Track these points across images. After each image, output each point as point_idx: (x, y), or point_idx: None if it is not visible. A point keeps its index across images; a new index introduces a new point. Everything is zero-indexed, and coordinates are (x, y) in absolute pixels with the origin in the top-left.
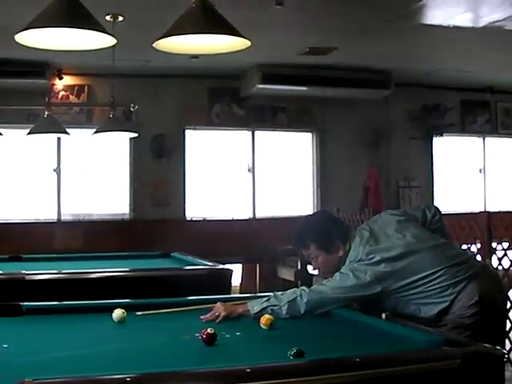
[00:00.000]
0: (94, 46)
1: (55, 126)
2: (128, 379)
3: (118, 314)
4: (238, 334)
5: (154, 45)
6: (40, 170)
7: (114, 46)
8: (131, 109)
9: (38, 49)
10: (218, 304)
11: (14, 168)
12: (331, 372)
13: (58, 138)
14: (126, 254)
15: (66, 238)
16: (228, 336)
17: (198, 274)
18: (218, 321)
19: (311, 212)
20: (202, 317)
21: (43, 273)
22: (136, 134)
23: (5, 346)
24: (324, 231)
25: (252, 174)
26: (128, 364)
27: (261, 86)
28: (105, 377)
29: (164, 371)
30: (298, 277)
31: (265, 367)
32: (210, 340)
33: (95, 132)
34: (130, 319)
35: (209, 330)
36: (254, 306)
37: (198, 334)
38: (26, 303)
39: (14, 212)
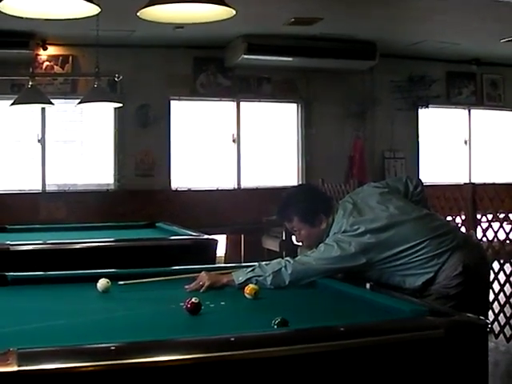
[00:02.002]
0: (78, 14)
1: (39, 96)
2: (112, 348)
3: (102, 283)
4: (222, 303)
5: (138, 14)
6: (24, 141)
7: (98, 14)
8: (116, 79)
9: (21, 18)
10: (203, 273)
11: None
12: (316, 341)
13: (43, 109)
14: (110, 224)
15: (50, 209)
16: (212, 305)
17: (183, 243)
18: (202, 290)
19: (296, 183)
20: (186, 286)
21: (28, 243)
22: (120, 104)
23: None
24: (307, 204)
25: (237, 144)
26: (113, 333)
27: (246, 56)
28: (90, 346)
29: (149, 340)
30: (282, 247)
31: (249, 336)
32: (195, 309)
33: (79, 102)
34: (114, 289)
35: (193, 300)
36: (239, 276)
37: (182, 304)
38: (10, 273)
39: None
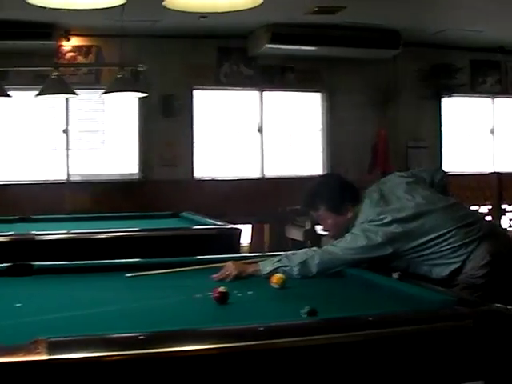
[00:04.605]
0: (104, 4)
1: (63, 86)
2: (141, 337)
3: None
4: (249, 292)
5: (164, 3)
6: (49, 131)
7: (123, 4)
8: (139, 69)
9: (47, 8)
10: (229, 263)
11: (24, 129)
12: (344, 331)
13: (67, 99)
14: (134, 214)
15: (74, 199)
16: (240, 295)
17: (207, 233)
18: (228, 280)
19: (319, 172)
20: (212, 276)
21: (52, 233)
22: (144, 94)
23: (17, 305)
24: (334, 193)
25: (261, 133)
26: (140, 322)
27: (269, 45)
28: (117, 335)
29: (177, 329)
30: (306, 237)
31: (278, 325)
32: (223, 298)
33: (104, 92)
34: (140, 278)
35: (222, 289)
36: (266, 267)
37: (209, 293)
38: (36, 263)
39: (24, 173)
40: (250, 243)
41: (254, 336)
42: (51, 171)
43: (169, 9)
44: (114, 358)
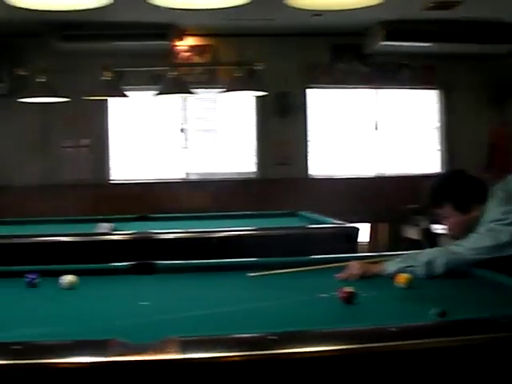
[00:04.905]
0: (227, 3)
1: (181, 86)
2: (271, 338)
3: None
4: (374, 292)
5: (285, 1)
6: (167, 130)
7: (247, 4)
8: (256, 68)
9: (163, 9)
10: (353, 262)
11: (142, 129)
12: (477, 333)
13: (184, 98)
14: (251, 212)
15: (192, 198)
16: (365, 295)
17: (326, 232)
18: (352, 279)
19: (436, 171)
20: (337, 275)
21: (171, 232)
22: (262, 93)
23: (143, 303)
24: (461, 191)
25: (377, 131)
26: (267, 322)
27: (384, 43)
28: (247, 335)
29: (306, 330)
30: (423, 236)
31: (411, 326)
32: (350, 298)
33: (223, 91)
34: (261, 277)
35: (349, 289)
36: (390, 266)
37: (335, 293)
38: (159, 262)
39: (142, 172)
40: (369, 242)
41: (386, 337)
42: (169, 170)
43: (289, 6)
44: (243, 358)
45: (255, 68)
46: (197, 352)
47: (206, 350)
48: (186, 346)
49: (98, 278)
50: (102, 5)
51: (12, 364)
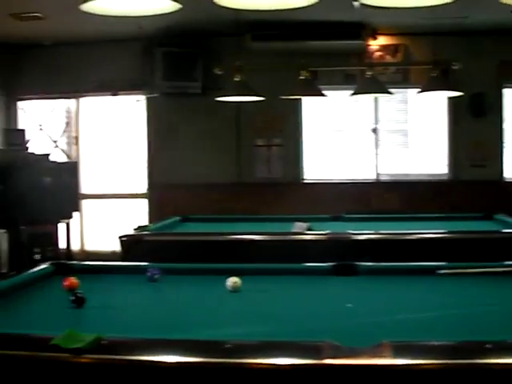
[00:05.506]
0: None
1: (377, 86)
2: (487, 346)
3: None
4: None
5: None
6: (359, 131)
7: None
8: (453, 67)
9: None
10: None
11: (334, 128)
12: None
13: (375, 98)
14: (443, 215)
15: (382, 199)
16: None
17: None
18: None
19: None
20: None
21: (364, 233)
22: (458, 93)
23: (349, 305)
24: None
25: None
26: (468, 329)
27: None
28: (460, 342)
29: None
30: None
31: None
32: None
33: (420, 91)
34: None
35: None
36: None
37: None
38: (361, 263)
39: (334, 171)
40: None
41: None
42: (361, 170)
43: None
44: (458, 366)
45: (453, 68)
46: (409, 358)
47: (418, 356)
48: (398, 350)
49: (297, 277)
50: (311, 3)
51: (223, 362)
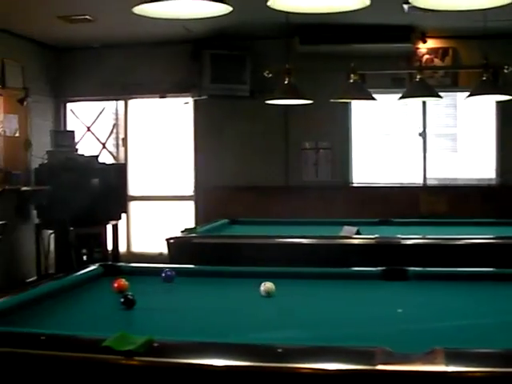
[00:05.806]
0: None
1: (427, 89)
2: None
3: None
4: None
5: None
6: (406, 134)
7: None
8: (505, 71)
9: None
10: None
11: (382, 132)
12: None
13: (423, 102)
14: (492, 220)
15: (430, 203)
16: None
17: None
18: None
19: None
20: None
21: (413, 237)
22: (509, 97)
23: (399, 310)
24: None
25: None
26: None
27: None
28: (496, 351)
29: None
30: None
31: None
32: None
33: (469, 95)
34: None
35: None
36: None
37: None
38: (411, 268)
39: (382, 175)
40: None
41: None
42: (408, 174)
43: None
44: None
45: (505, 71)
46: (462, 365)
47: (472, 364)
48: (451, 357)
49: (346, 282)
50: (363, 6)
51: (275, 367)
